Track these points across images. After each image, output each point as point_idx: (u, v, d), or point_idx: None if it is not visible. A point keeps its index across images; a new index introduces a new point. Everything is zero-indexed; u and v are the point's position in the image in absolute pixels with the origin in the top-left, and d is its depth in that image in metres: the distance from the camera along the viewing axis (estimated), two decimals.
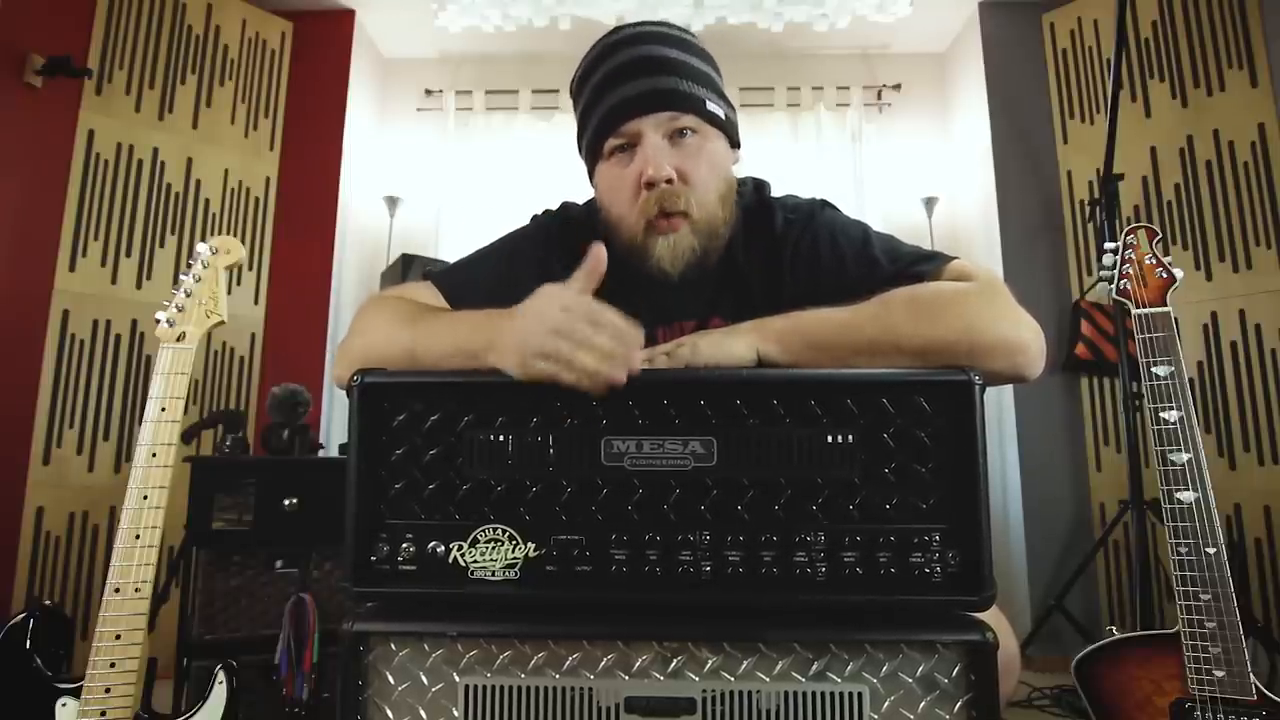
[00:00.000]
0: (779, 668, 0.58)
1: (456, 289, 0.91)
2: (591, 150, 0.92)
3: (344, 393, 0.66)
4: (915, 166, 3.25)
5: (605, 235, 0.90)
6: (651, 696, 0.58)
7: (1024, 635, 2.39)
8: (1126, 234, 1.50)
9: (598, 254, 0.69)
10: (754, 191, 0.98)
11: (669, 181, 0.84)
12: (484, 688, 0.59)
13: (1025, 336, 0.75)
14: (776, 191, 1.00)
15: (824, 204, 0.97)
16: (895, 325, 0.72)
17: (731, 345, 0.74)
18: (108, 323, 2.47)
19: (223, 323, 1.35)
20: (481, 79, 3.39)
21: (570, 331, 0.62)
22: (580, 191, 1.04)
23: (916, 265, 0.84)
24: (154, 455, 1.24)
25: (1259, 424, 2.32)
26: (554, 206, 1.04)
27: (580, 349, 0.61)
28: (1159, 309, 1.42)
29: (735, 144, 0.95)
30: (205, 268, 1.35)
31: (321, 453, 2.13)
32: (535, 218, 1.03)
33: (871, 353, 0.71)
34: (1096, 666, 1.38)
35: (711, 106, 0.88)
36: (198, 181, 2.73)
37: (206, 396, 2.68)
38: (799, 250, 0.91)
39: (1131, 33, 2.64)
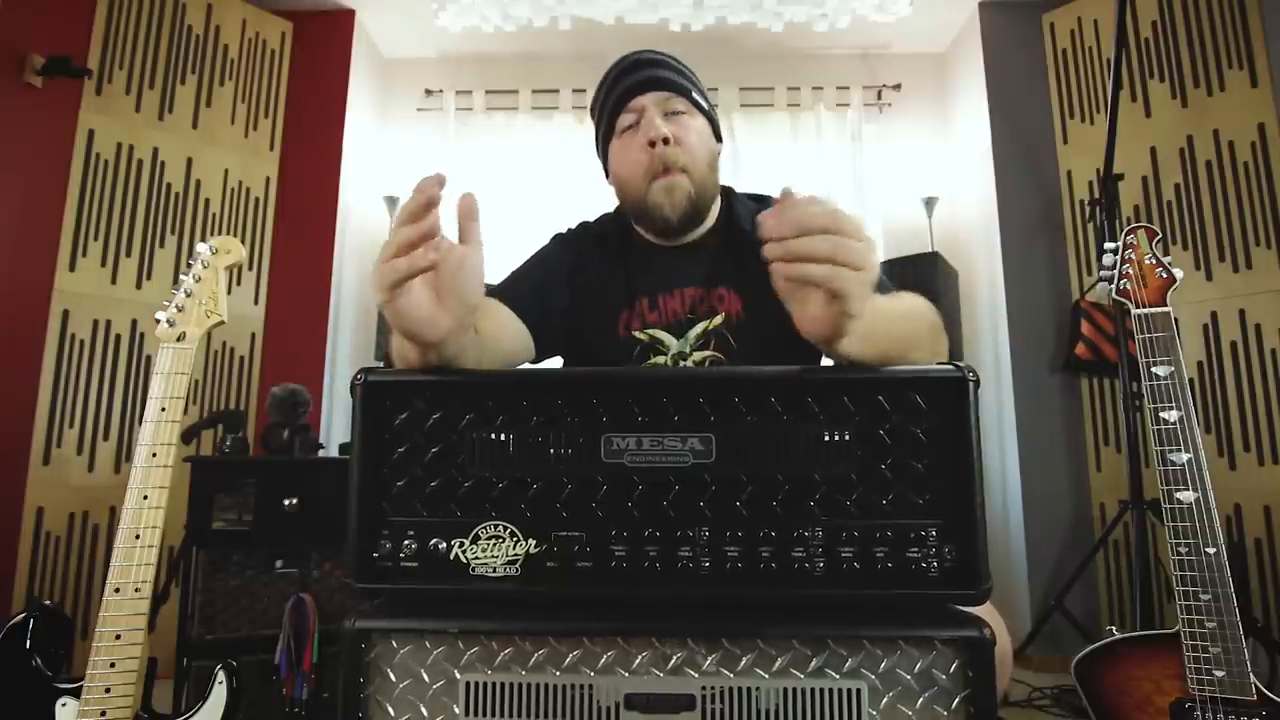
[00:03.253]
0: (778, 664, 0.58)
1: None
2: (606, 133, 1.11)
3: (345, 392, 0.66)
4: (915, 166, 3.25)
5: (619, 210, 1.15)
6: (651, 693, 0.58)
7: (1024, 635, 2.39)
8: (1126, 234, 1.50)
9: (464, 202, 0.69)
10: (733, 192, 1.17)
11: (666, 141, 1.03)
12: (485, 684, 0.59)
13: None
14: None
15: None
16: (918, 340, 0.78)
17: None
18: (108, 323, 2.48)
19: (223, 323, 1.35)
20: (481, 79, 3.39)
21: (384, 253, 0.61)
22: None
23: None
24: (154, 455, 1.24)
25: (1259, 424, 2.32)
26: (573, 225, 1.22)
27: (390, 250, 0.60)
28: (1159, 309, 1.42)
29: (718, 137, 1.14)
30: (205, 268, 1.35)
31: (321, 453, 2.13)
32: (557, 235, 1.19)
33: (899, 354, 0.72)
34: (1096, 666, 1.38)
35: (696, 96, 1.10)
36: (198, 181, 2.73)
37: (206, 396, 2.68)
38: None
39: (1131, 33, 2.64)
